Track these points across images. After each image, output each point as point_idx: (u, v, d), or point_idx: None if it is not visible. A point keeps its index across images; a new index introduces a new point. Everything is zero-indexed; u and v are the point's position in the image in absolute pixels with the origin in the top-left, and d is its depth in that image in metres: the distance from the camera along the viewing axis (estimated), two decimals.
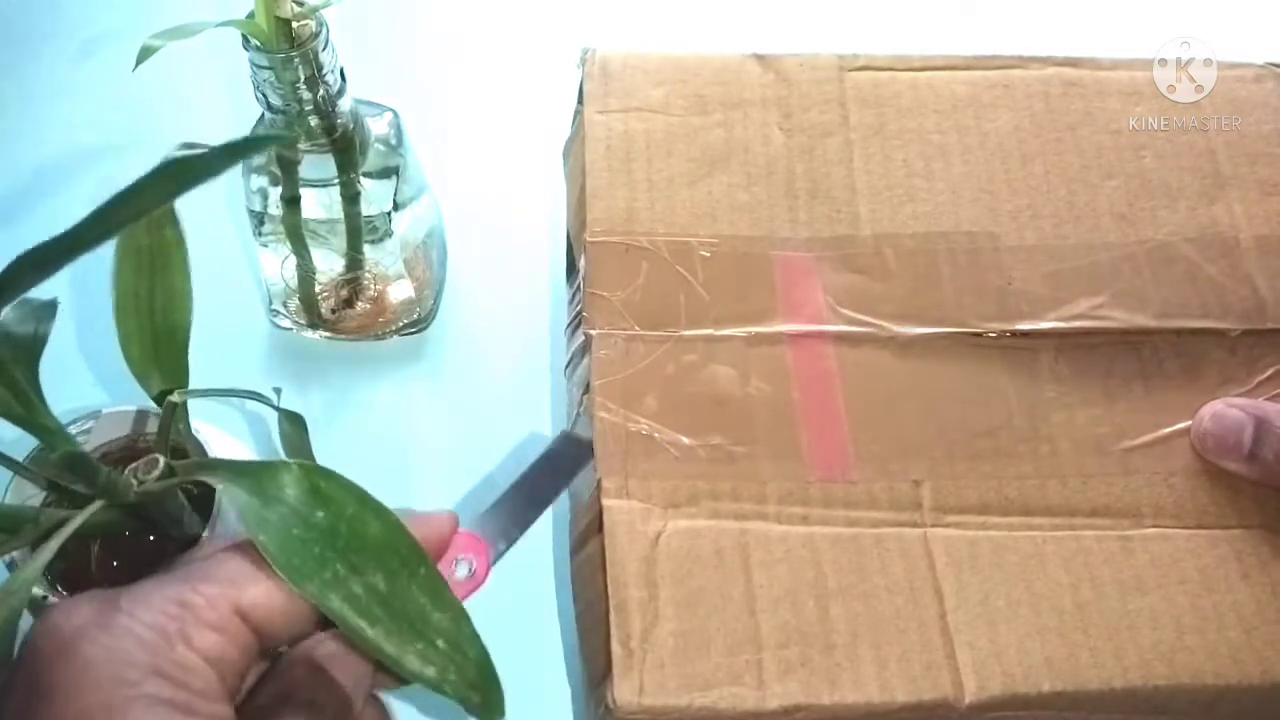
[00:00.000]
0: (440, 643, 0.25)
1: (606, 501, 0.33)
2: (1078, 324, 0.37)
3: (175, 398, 0.31)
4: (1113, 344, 0.37)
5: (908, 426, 0.36)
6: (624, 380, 0.36)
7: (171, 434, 0.32)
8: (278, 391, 0.36)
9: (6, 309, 0.22)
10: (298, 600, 0.25)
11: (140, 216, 0.20)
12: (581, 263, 0.38)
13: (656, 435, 0.35)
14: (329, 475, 0.26)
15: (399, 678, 0.26)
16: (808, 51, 0.43)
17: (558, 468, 0.31)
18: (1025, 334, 0.37)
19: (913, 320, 0.37)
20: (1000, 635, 0.32)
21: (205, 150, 0.20)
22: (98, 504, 0.28)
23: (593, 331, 0.37)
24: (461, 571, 0.28)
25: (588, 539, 0.34)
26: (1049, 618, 0.32)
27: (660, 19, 0.59)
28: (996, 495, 0.35)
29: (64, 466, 0.28)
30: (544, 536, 0.43)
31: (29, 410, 0.27)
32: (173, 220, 0.33)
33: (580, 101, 0.42)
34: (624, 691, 0.30)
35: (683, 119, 0.41)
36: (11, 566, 0.32)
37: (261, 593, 0.25)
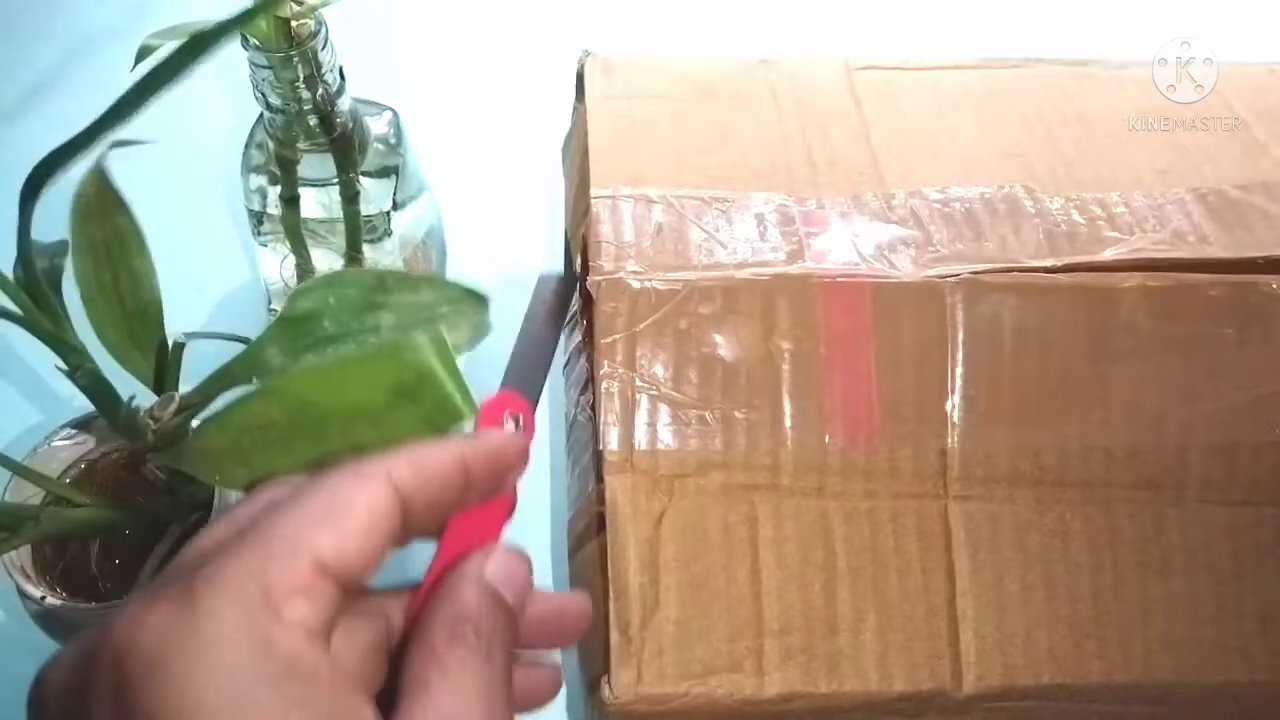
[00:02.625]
0: (444, 310, 0.28)
1: (609, 477, 0.31)
2: (1138, 256, 0.34)
3: (179, 338, 0.32)
4: (1215, 288, 0.33)
5: (944, 387, 0.33)
6: (631, 338, 0.33)
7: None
8: None
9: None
10: (371, 536, 0.22)
11: (174, 79, 0.23)
12: (585, 223, 0.36)
13: (666, 400, 0.32)
14: (299, 294, 0.28)
15: None
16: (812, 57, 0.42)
17: (551, 311, 0.30)
18: (1104, 266, 0.33)
19: (957, 264, 0.34)
20: (1008, 623, 0.31)
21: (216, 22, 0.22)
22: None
23: (599, 278, 0.33)
24: (510, 426, 0.27)
25: (585, 540, 0.34)
26: (1061, 605, 0.31)
27: (658, 22, 0.59)
28: (1031, 465, 0.32)
29: (86, 389, 0.28)
30: (543, 537, 0.43)
31: (58, 327, 0.27)
32: (123, 209, 0.33)
33: (579, 99, 0.41)
34: (622, 680, 0.30)
35: (690, 103, 0.39)
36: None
37: (334, 541, 0.21)
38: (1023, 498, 0.32)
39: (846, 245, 0.34)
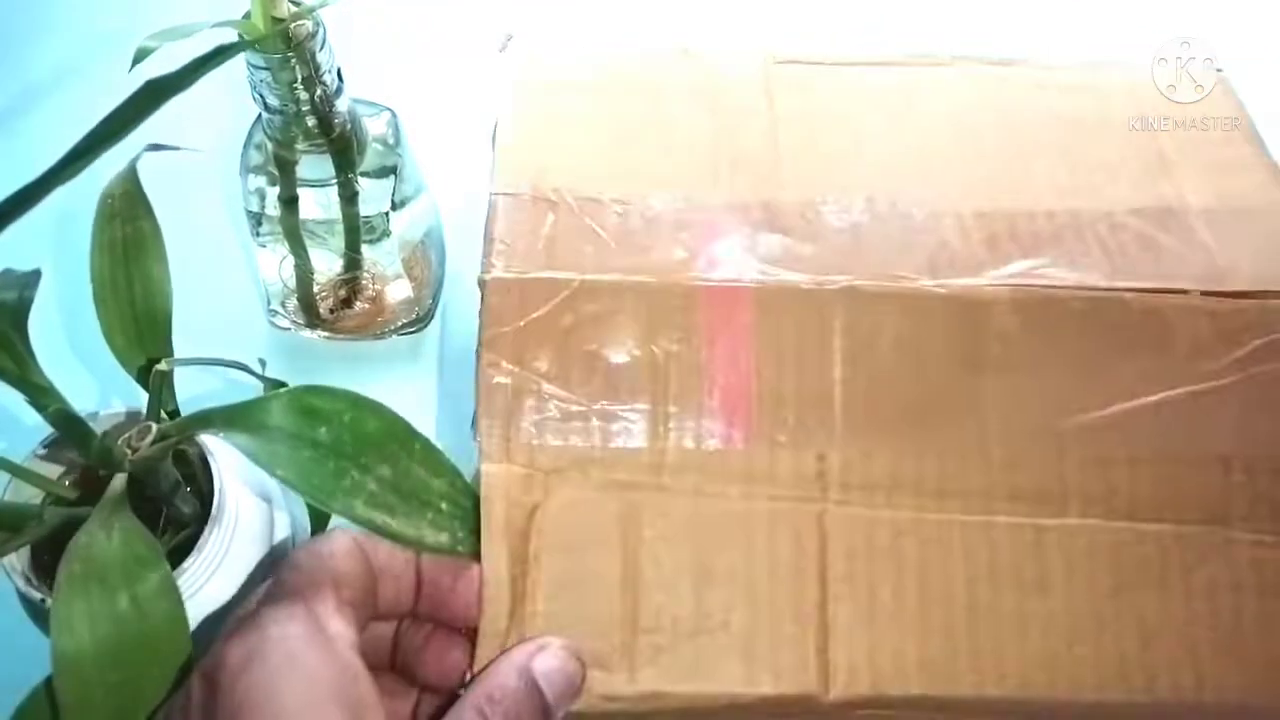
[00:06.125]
0: (444, 505, 0.28)
1: (486, 466, 0.31)
2: (1017, 282, 0.35)
3: (163, 365, 0.31)
4: (1077, 302, 0.34)
5: (824, 391, 0.33)
6: (515, 332, 0.33)
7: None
8: (263, 363, 0.36)
9: None
10: (358, 563, 0.27)
11: (123, 134, 0.22)
12: (487, 217, 0.37)
13: (547, 395, 0.32)
14: (316, 391, 0.27)
15: None
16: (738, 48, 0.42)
17: None
18: (970, 286, 0.34)
19: (840, 275, 0.35)
20: (879, 632, 0.31)
21: (179, 68, 0.22)
22: (121, 482, 0.29)
23: (487, 276, 0.34)
24: None
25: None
26: (935, 617, 0.31)
27: (657, 20, 0.59)
28: (912, 471, 0.32)
29: (56, 427, 0.28)
30: None
31: (21, 368, 0.27)
32: (147, 212, 0.33)
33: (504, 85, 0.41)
34: (482, 660, 0.29)
35: (604, 96, 0.40)
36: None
37: (338, 569, 0.27)
38: (902, 504, 0.32)
39: (736, 253, 0.35)
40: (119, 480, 0.29)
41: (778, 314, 0.34)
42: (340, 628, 0.26)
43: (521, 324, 0.33)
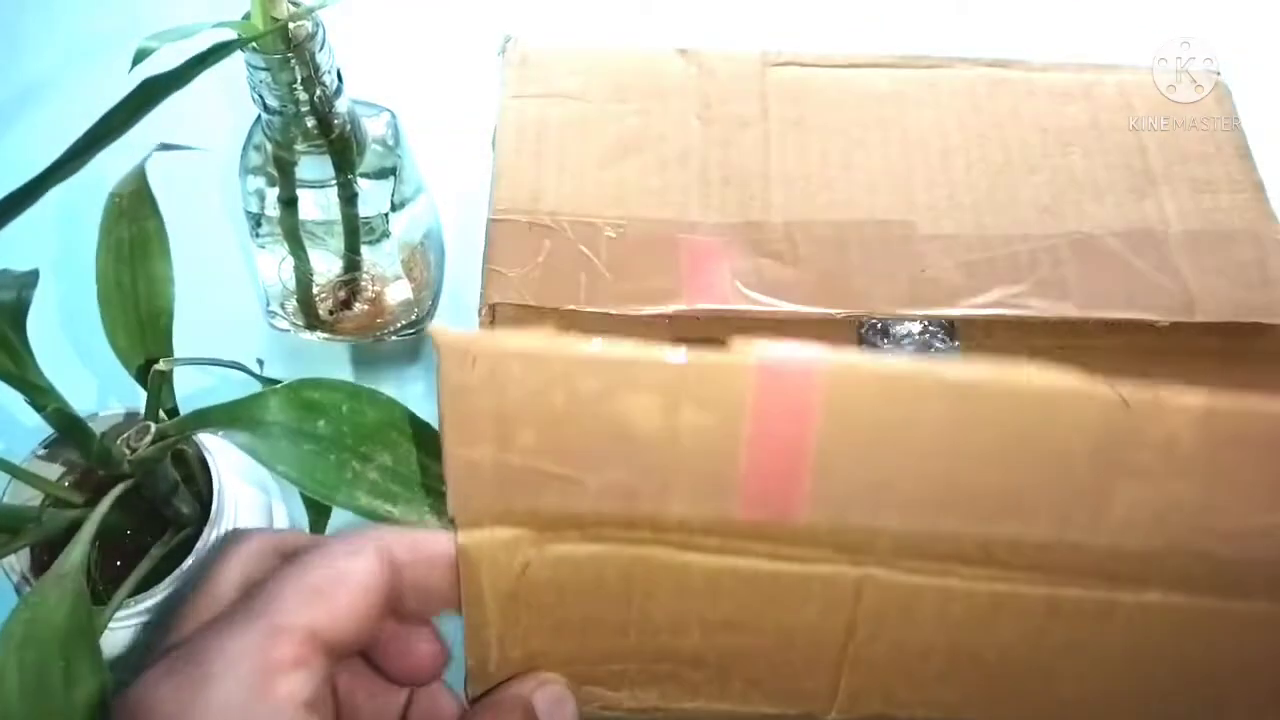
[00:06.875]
0: (443, 488, 0.26)
1: (463, 539, 0.26)
2: (991, 312, 0.35)
3: (162, 365, 0.31)
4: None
5: (897, 475, 0.25)
6: (498, 403, 0.25)
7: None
8: (260, 362, 0.36)
9: None
10: (363, 609, 0.24)
11: (121, 132, 0.22)
12: (484, 241, 0.38)
13: (535, 469, 0.26)
14: (313, 384, 0.27)
15: None
16: (737, 48, 0.42)
17: None
18: (957, 319, 0.34)
19: (821, 306, 0.35)
20: (895, 678, 0.29)
21: (176, 66, 0.22)
22: (118, 489, 0.29)
23: (495, 302, 0.36)
24: None
25: None
26: (963, 670, 0.28)
27: (660, 20, 0.59)
28: (978, 550, 0.26)
29: (56, 427, 0.28)
30: None
31: (20, 368, 0.27)
32: (154, 212, 0.33)
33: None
34: (476, 692, 0.28)
35: (599, 105, 0.40)
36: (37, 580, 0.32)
37: (329, 617, 0.24)
38: (956, 572, 0.27)
39: (723, 281, 0.36)
40: (88, 527, 0.28)
41: (854, 399, 0.25)
42: (295, 686, 0.23)
43: (504, 396, 0.25)
